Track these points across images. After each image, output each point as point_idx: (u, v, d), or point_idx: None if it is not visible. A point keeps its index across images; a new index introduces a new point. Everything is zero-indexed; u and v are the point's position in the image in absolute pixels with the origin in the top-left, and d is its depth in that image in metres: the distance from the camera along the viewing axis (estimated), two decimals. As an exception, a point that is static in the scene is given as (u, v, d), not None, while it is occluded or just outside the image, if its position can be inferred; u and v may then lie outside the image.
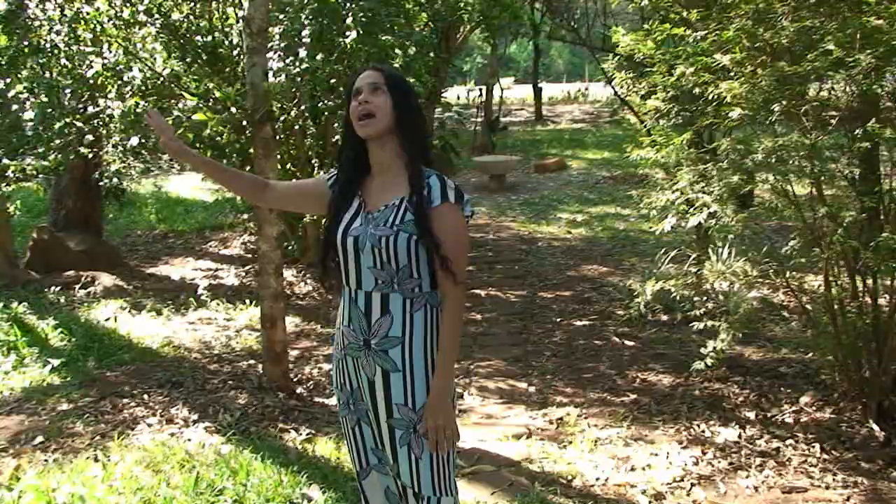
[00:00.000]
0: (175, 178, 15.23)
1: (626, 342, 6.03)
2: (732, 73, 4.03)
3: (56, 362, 5.67)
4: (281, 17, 5.64)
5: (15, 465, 4.12)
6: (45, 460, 4.22)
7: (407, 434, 2.49)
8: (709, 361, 4.55)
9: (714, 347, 4.51)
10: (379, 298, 2.48)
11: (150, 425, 4.70)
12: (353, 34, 5.33)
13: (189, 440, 4.49)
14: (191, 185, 14.27)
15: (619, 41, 4.61)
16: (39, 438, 4.51)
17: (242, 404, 4.98)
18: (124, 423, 4.74)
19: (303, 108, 5.81)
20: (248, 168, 6.10)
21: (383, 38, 5.89)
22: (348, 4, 5.63)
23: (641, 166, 4.83)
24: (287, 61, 5.50)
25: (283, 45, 5.56)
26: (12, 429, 4.67)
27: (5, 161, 7.17)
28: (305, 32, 5.56)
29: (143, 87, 6.61)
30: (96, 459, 4.19)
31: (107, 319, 6.79)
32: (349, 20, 5.40)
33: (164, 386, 5.30)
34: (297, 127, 5.87)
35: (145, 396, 5.13)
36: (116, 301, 7.35)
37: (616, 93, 6.24)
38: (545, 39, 21.26)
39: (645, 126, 4.86)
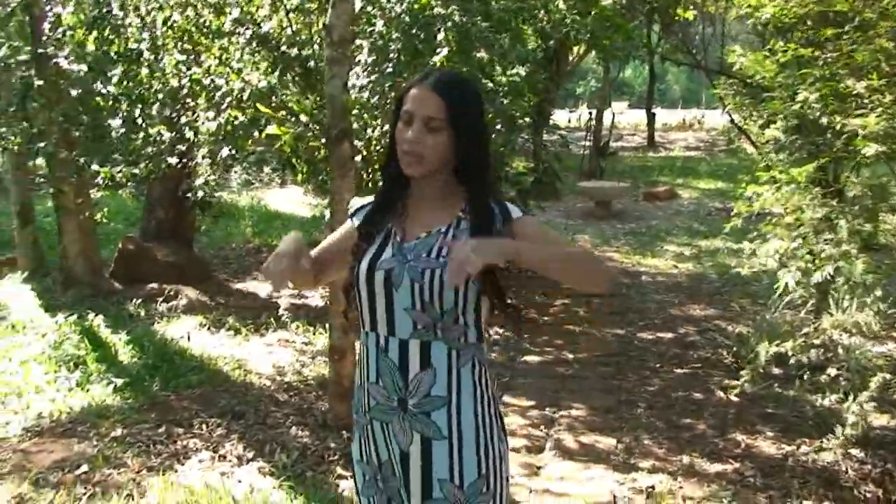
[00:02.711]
0: (275, 192, 15.16)
1: (732, 398, 5.40)
2: (867, 102, 3.43)
3: (120, 382, 5.42)
4: (370, 29, 5.28)
5: (49, 501, 3.84)
6: (83, 493, 3.93)
7: None
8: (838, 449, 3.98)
9: (843, 433, 3.91)
10: (417, 347, 1.98)
11: (201, 461, 4.37)
12: (444, 51, 4.92)
13: (239, 481, 4.14)
14: (290, 199, 14.16)
15: (736, 61, 4.04)
16: (84, 468, 4.23)
17: (302, 443, 4.60)
18: (175, 455, 4.43)
19: (386, 127, 5.43)
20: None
21: (479, 54, 5.48)
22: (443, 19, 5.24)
23: (758, 207, 4.21)
24: (373, 77, 5.13)
25: (370, 59, 5.20)
26: (59, 453, 4.42)
27: (94, 167, 7.05)
28: (396, 47, 5.19)
29: (240, 98, 6.37)
30: (132, 499, 3.88)
31: (181, 337, 6.55)
32: (440, 36, 5.00)
33: (225, 416, 4.98)
34: (376, 146, 5.50)
35: (203, 427, 4.81)
36: (197, 317, 7.13)
37: (732, 120, 5.63)
38: (661, 64, 20.56)
39: (763, 159, 4.26)
